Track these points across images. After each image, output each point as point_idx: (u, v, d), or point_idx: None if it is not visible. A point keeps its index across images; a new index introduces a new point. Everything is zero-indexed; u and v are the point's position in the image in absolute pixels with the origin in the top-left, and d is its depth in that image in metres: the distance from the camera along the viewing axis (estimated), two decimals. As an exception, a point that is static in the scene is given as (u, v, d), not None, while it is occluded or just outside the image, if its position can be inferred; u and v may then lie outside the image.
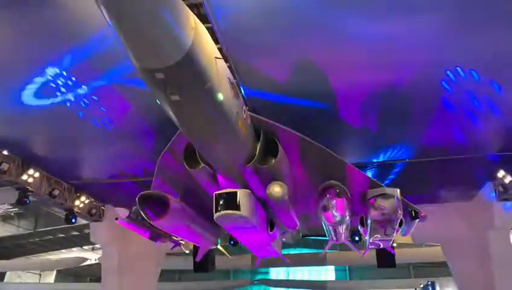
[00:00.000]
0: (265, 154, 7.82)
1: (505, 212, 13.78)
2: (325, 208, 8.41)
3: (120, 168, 13.25)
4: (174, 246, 12.65)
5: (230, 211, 7.26)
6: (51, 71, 8.47)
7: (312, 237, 25.46)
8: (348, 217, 8.90)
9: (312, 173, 8.95)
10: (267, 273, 33.53)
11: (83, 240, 26.29)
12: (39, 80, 8.62)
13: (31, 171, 11.57)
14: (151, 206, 8.56)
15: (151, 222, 8.92)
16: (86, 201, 14.06)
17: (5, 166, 10.68)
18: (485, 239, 14.69)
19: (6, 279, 29.64)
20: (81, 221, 24.30)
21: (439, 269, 24.05)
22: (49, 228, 25.97)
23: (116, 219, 11.07)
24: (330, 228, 9.98)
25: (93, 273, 31.43)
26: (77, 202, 13.76)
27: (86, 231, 24.08)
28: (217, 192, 7.56)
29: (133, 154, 11.75)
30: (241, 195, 7.46)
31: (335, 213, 8.39)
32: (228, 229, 8.54)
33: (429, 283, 20.41)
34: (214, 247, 12.53)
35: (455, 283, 16.65)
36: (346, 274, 33.74)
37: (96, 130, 10.07)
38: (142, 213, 8.65)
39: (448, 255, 16.19)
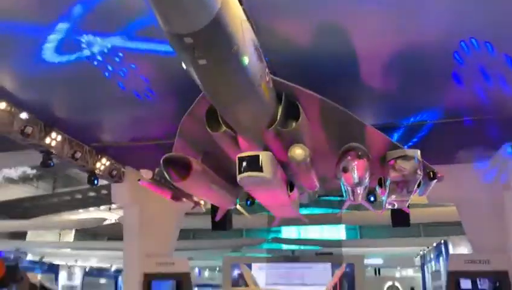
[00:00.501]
0: (287, 117, 7.89)
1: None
2: (345, 170, 8.51)
3: (141, 131, 13.43)
4: (194, 206, 12.99)
5: (253, 173, 7.41)
6: (68, 24, 8.41)
7: (325, 198, 25.82)
8: (367, 179, 9.02)
9: (333, 135, 9.01)
10: (278, 231, 34.25)
11: (100, 200, 27.06)
12: (60, 27, 8.53)
13: (53, 135, 11.79)
14: (174, 168, 8.77)
15: (175, 183, 9.16)
16: (107, 163, 14.35)
17: (28, 129, 10.90)
18: (500, 199, 14.79)
19: (28, 238, 30.76)
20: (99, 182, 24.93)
21: (448, 228, 24.41)
22: (67, 189, 26.65)
23: (139, 180, 11.36)
24: (349, 189, 10.13)
25: (110, 233, 32.45)
26: (98, 164, 14.06)
27: (103, 192, 24.80)
28: (239, 155, 7.69)
29: (154, 117, 11.85)
30: (264, 157, 7.59)
31: (355, 175, 8.50)
32: (250, 191, 8.73)
33: (442, 241, 20.73)
34: (233, 207, 12.85)
35: (469, 242, 16.92)
36: (357, 233, 34.40)
37: (117, 92, 10.13)
38: (165, 175, 8.88)
39: (463, 215, 16.37)
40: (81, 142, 13.32)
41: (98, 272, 25.74)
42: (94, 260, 30.45)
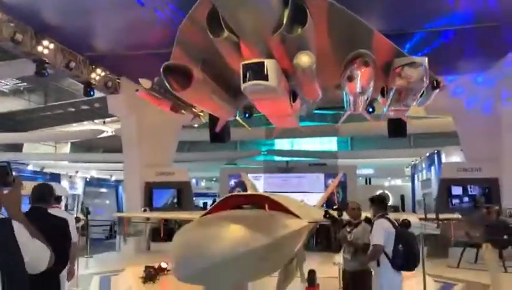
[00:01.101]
0: (292, 22, 7.51)
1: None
2: (351, 78, 8.32)
3: (136, 39, 12.88)
4: (193, 118, 12.92)
5: (258, 82, 7.16)
6: None
7: (318, 111, 25.87)
8: (371, 87, 8.86)
9: (339, 41, 8.68)
10: (272, 144, 34.71)
11: (93, 114, 26.86)
12: None
13: (45, 43, 11.24)
14: (175, 77, 8.49)
15: (176, 93, 8.92)
16: (102, 74, 13.92)
17: (19, 37, 10.35)
18: (496, 111, 14.90)
19: (24, 150, 30.96)
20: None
21: (438, 139, 24.81)
22: (59, 102, 26.24)
23: (137, 90, 11.12)
24: (351, 98, 9.97)
25: (106, 145, 32.62)
26: (93, 75, 13.64)
27: (96, 105, 24.60)
28: (244, 62, 7.40)
29: (151, 24, 11.27)
30: (269, 65, 7.31)
31: (360, 83, 8.32)
32: (253, 100, 8.56)
33: (436, 151, 21.14)
34: (233, 118, 12.81)
35: (462, 151, 17.32)
36: (348, 145, 34.97)
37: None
38: (166, 84, 8.61)
39: (459, 125, 16.57)
40: (74, 51, 12.79)
41: (99, 181, 26.33)
42: (93, 172, 30.97)
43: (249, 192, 10.15)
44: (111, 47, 13.52)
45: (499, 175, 15.22)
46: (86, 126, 28.66)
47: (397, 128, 15.29)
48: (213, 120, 14.65)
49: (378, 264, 5.55)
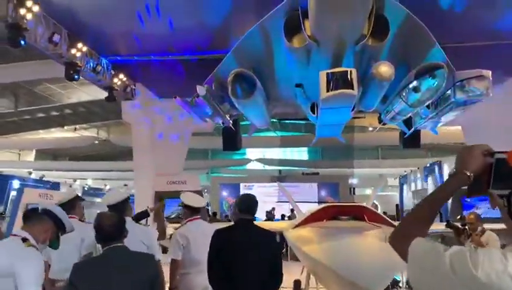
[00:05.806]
0: (374, 33, 7.46)
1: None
2: (417, 89, 8.33)
3: (156, 45, 12.48)
4: (223, 124, 12.69)
5: (345, 90, 7.06)
6: None
7: (291, 121, 25.66)
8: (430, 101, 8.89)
9: (400, 51, 8.70)
10: (243, 153, 34.26)
11: (63, 120, 25.75)
12: None
13: (79, 45, 10.57)
14: (241, 85, 8.31)
15: (236, 101, 8.71)
16: (124, 79, 13.31)
17: (56, 37, 9.71)
18: (508, 122, 15.31)
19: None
20: (61, 101, 23.59)
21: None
22: (30, 108, 24.95)
23: (175, 97, 10.78)
24: (400, 110, 9.88)
25: (71, 154, 31.15)
26: (115, 80, 13.02)
27: (67, 111, 23.71)
28: (328, 71, 7.26)
29: (188, 27, 10.85)
30: (353, 74, 7.22)
31: (425, 94, 8.34)
32: (323, 109, 8.39)
33: (438, 162, 21.51)
34: (265, 127, 12.68)
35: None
36: (319, 155, 35.08)
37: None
38: (230, 91, 8.37)
39: (468, 136, 16.96)
40: (98, 53, 12.14)
41: (94, 191, 25.32)
42: (89, 181, 29.30)
43: (344, 202, 9.99)
44: (130, 51, 13.03)
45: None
46: (53, 133, 27.19)
47: (413, 139, 15.50)
48: (227, 128, 14.35)
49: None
